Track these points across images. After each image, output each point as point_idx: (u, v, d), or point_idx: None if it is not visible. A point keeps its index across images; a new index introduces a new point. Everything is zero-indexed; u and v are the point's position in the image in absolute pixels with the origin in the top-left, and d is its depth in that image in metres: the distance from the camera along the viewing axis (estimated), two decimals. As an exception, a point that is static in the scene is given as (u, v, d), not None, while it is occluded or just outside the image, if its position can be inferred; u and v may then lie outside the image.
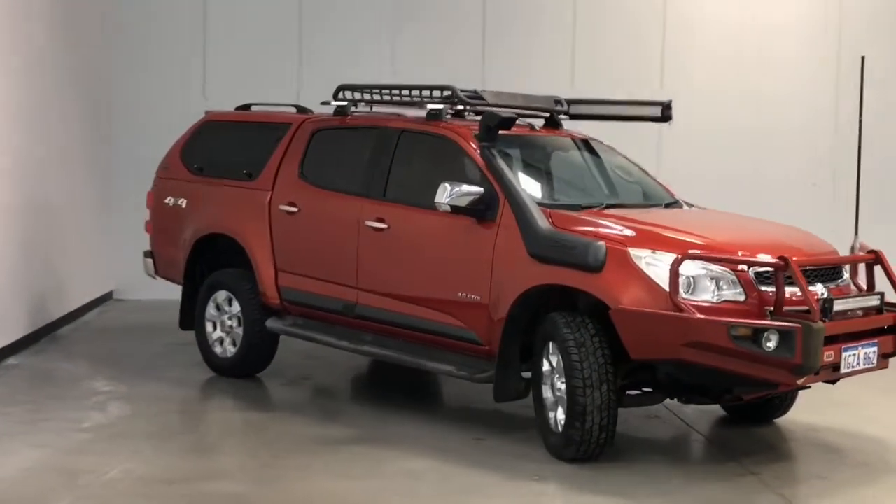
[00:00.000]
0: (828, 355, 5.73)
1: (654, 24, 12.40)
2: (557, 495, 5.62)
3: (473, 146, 6.85)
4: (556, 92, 8.12)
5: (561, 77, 12.21)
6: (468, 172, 6.83)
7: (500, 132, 6.82)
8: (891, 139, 12.14)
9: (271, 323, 7.92)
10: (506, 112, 6.98)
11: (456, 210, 6.54)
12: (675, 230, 6.25)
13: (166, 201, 8.75)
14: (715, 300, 5.80)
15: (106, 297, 11.96)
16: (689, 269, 5.80)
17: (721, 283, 5.85)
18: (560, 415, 6.14)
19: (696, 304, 5.74)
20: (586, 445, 6.00)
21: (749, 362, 5.65)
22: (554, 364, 6.18)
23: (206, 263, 8.49)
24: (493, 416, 7.15)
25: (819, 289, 6.04)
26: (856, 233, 6.50)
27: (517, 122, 7.22)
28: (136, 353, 9.10)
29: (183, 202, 8.61)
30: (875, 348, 6.06)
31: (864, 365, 6.02)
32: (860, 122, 6.54)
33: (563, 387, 6.07)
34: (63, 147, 10.28)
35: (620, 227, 6.24)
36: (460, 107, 7.33)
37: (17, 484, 5.61)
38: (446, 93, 7.30)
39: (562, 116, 7.91)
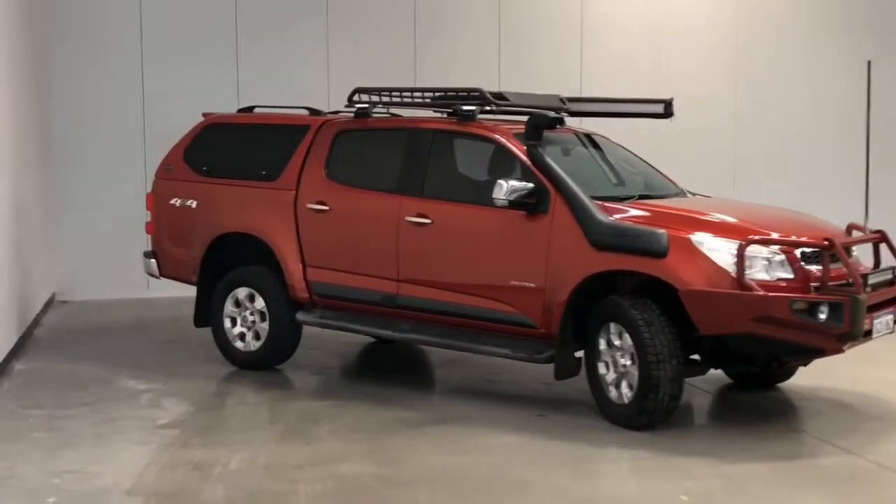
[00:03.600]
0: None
1: (573, 22, 13.31)
2: (657, 459, 6.20)
3: (515, 145, 7.42)
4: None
5: (489, 74, 12.93)
6: (513, 170, 7.39)
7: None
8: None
9: (302, 316, 8.28)
10: (552, 114, 7.55)
11: (514, 205, 7.10)
12: (722, 217, 7.00)
13: (172, 202, 8.93)
14: (770, 279, 6.58)
15: (50, 301, 11.88)
16: (749, 251, 6.55)
17: (773, 263, 6.63)
18: (624, 388, 6.80)
19: (758, 282, 6.51)
20: (658, 414, 6.70)
21: (805, 332, 6.46)
22: (616, 342, 6.83)
23: (214, 262, 8.74)
24: (531, 394, 7.75)
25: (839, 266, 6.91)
26: (866, 216, 7.38)
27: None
28: (132, 352, 9.25)
29: (193, 203, 8.82)
30: (892, 315, 6.99)
31: (886, 330, 6.93)
32: (868, 121, 7.41)
33: (629, 362, 6.75)
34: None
35: (672, 216, 6.95)
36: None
37: (154, 478, 5.86)
38: (475, 94, 7.83)
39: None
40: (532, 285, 7.17)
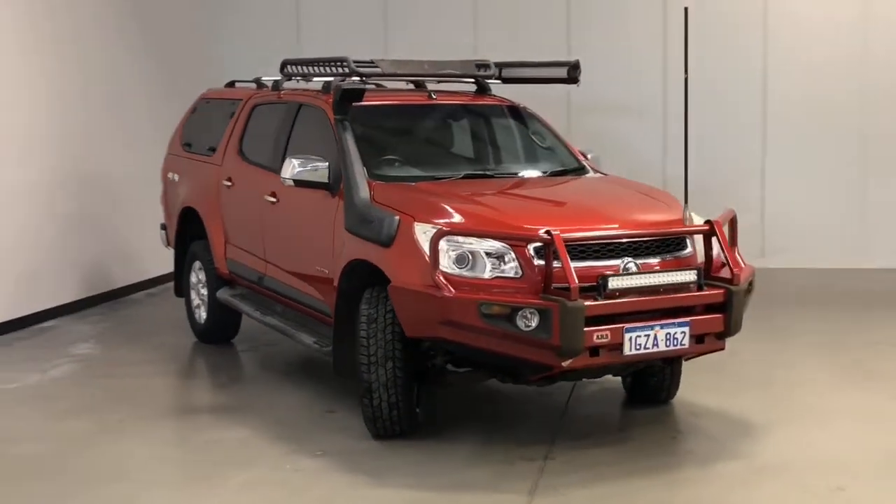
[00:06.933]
0: (601, 336, 5.34)
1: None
2: (307, 475, 5.52)
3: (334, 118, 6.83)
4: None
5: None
6: (330, 145, 6.82)
7: (376, 104, 6.92)
8: None
9: (221, 293, 8.27)
10: (351, 84, 6.81)
11: (301, 184, 6.56)
12: (477, 204, 5.98)
13: (169, 176, 9.29)
14: (488, 276, 5.52)
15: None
16: (459, 244, 5.55)
17: (504, 259, 5.56)
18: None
19: (462, 280, 5.49)
20: (381, 422, 5.92)
21: (509, 342, 5.37)
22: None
23: (192, 235, 8.95)
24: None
25: (624, 263, 5.61)
26: (685, 202, 5.90)
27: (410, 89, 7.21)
28: (161, 319, 9.70)
29: (176, 177, 9.12)
30: (686, 328, 5.54)
31: (669, 346, 5.53)
32: (686, 77, 5.92)
33: (372, 362, 6.00)
34: (138, 120, 11.07)
35: (428, 201, 6.05)
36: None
37: None
38: (341, 63, 7.25)
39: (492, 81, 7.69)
40: (326, 272, 6.61)
